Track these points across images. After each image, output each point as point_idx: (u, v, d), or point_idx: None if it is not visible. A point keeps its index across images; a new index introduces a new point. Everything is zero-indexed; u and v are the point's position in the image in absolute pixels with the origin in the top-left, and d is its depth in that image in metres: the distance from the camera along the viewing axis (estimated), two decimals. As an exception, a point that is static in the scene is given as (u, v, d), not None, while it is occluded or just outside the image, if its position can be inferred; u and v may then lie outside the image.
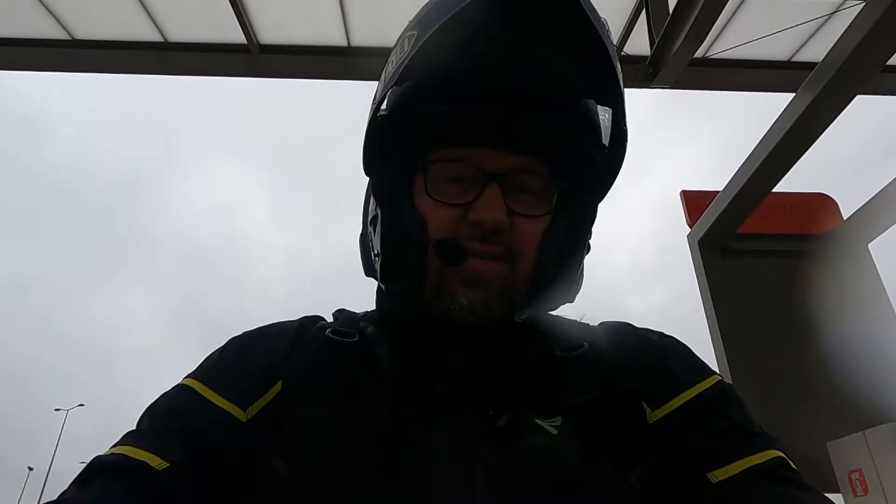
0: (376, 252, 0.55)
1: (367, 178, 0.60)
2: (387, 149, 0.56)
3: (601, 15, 0.49)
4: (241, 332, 0.60)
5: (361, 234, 0.62)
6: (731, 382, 0.55)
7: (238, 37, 3.06)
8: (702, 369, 0.55)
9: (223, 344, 0.59)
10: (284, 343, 0.57)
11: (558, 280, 0.54)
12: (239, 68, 3.19)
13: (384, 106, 0.54)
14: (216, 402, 0.51)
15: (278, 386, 0.53)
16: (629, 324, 0.61)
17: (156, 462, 0.46)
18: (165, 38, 3.14)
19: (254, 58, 3.13)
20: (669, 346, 0.58)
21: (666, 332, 0.61)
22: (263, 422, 0.52)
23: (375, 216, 0.55)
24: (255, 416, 0.52)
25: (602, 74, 0.52)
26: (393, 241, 0.53)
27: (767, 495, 0.45)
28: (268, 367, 0.54)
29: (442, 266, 0.51)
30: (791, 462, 0.48)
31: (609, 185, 0.59)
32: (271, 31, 3.11)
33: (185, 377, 0.55)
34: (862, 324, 2.20)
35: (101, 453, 0.49)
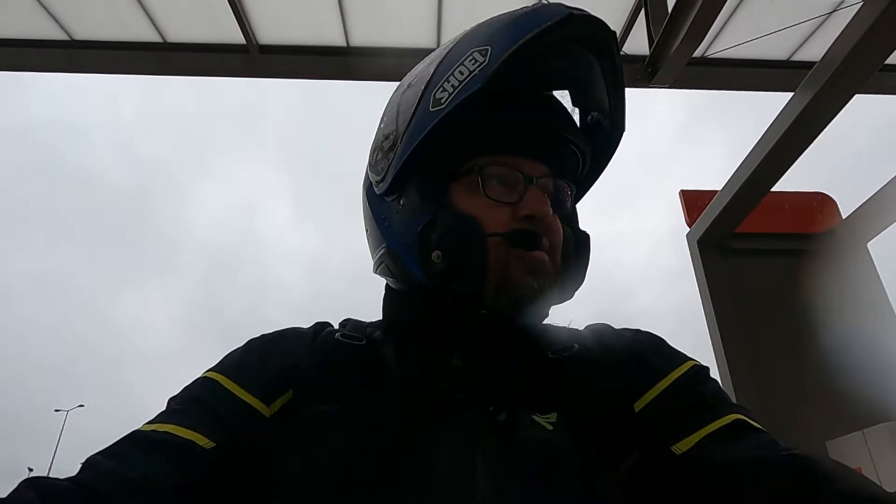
0: (437, 255, 0.55)
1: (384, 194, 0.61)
2: (433, 153, 0.57)
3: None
4: (260, 335, 0.63)
5: (388, 247, 0.61)
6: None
7: (237, 37, 3.06)
8: (676, 358, 0.58)
9: (244, 343, 0.61)
10: (303, 345, 0.59)
11: (580, 271, 0.60)
12: (238, 69, 3.19)
13: (441, 105, 0.54)
14: (241, 396, 0.53)
15: (296, 385, 0.56)
16: (608, 325, 0.65)
17: (203, 441, 0.48)
18: (164, 39, 3.14)
19: (253, 58, 3.13)
20: (645, 341, 0.61)
21: (641, 328, 0.64)
22: (283, 419, 0.54)
23: (433, 219, 0.55)
24: (276, 412, 0.54)
25: (621, 105, 0.62)
26: (456, 240, 0.55)
27: (724, 455, 0.47)
28: (288, 367, 0.57)
29: (505, 258, 0.55)
30: (754, 422, 0.50)
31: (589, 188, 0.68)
32: (270, 31, 3.11)
33: (207, 370, 0.57)
34: (861, 323, 2.20)
35: (140, 427, 0.50)
